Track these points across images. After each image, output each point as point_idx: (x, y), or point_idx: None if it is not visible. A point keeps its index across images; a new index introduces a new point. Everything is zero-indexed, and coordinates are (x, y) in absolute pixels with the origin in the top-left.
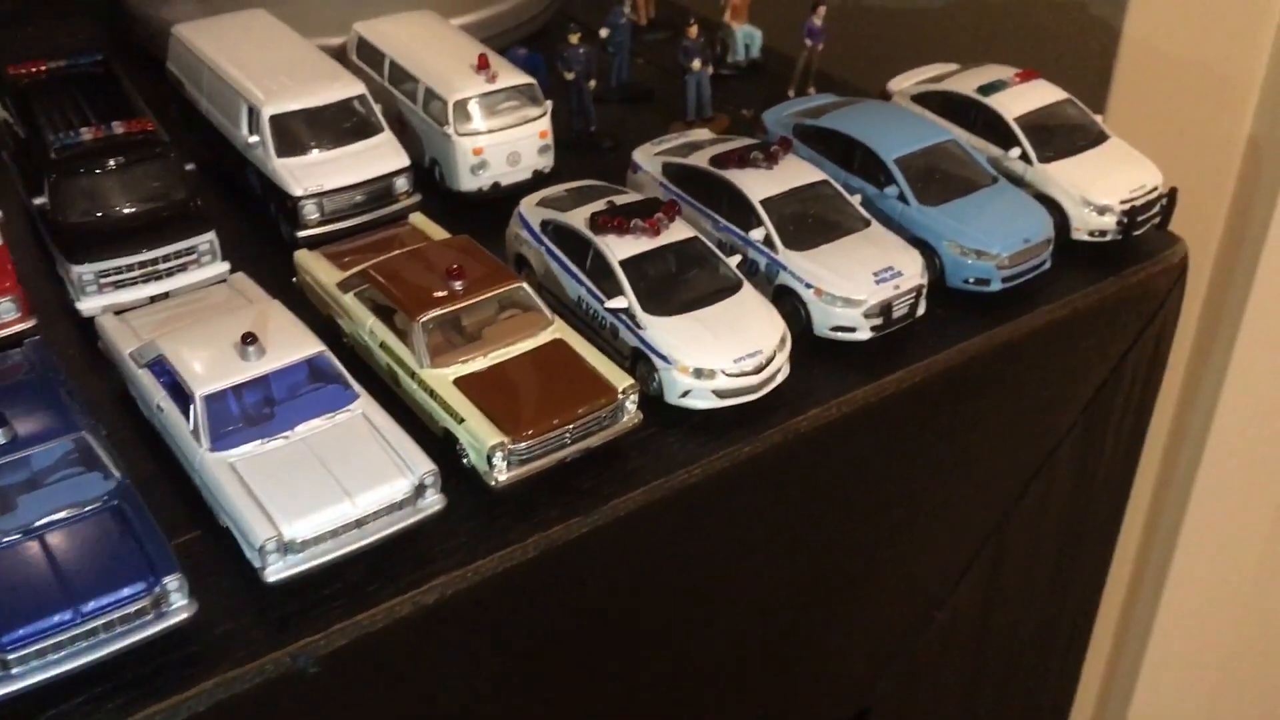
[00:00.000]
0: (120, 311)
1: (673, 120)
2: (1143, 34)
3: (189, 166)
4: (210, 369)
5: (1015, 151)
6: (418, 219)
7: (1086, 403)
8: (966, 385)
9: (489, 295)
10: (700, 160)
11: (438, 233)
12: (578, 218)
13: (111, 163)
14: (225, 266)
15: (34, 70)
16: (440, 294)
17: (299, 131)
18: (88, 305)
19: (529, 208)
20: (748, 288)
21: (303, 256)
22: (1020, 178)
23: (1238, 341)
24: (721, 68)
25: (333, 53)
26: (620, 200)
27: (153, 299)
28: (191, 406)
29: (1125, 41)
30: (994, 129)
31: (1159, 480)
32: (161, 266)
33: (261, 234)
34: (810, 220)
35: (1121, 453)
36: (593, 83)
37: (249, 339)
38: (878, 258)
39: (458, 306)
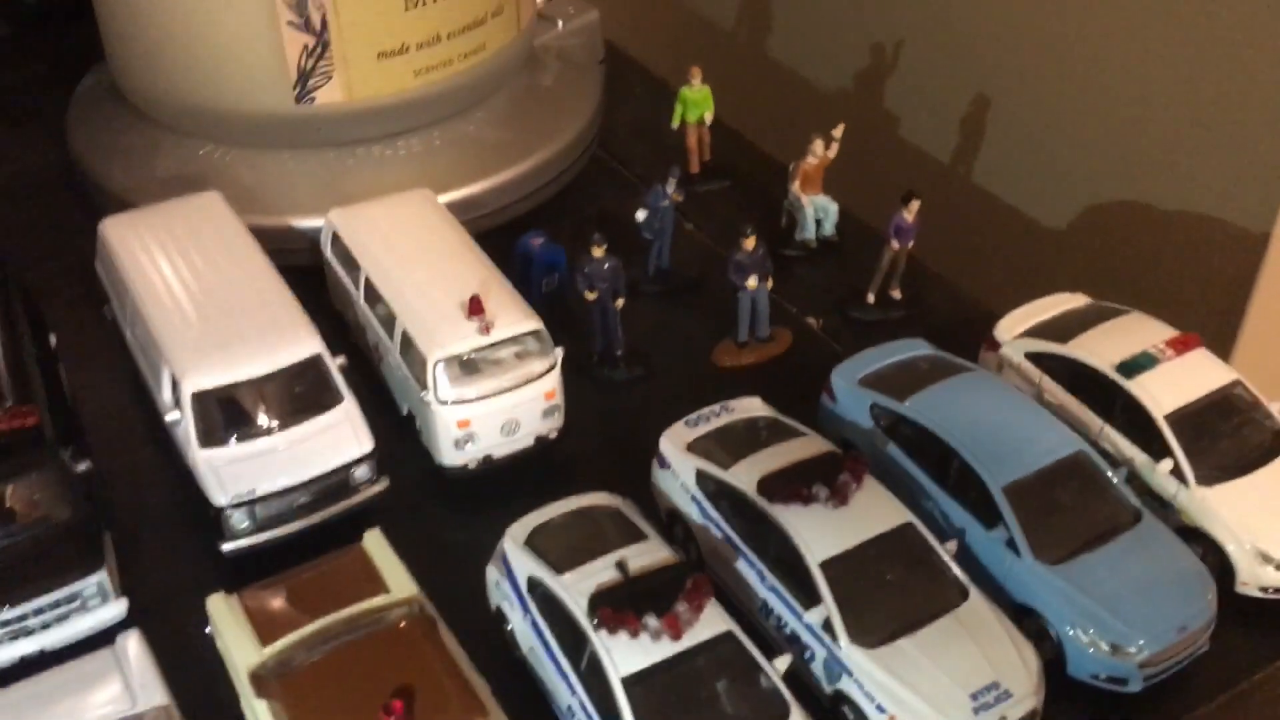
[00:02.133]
0: None
1: (724, 333)
2: None
3: (82, 466)
4: None
5: (1166, 464)
6: (372, 543)
7: None
8: None
9: None
10: (747, 480)
11: (388, 565)
12: (574, 591)
13: None
14: (120, 609)
15: None
16: None
17: (231, 412)
18: None
19: (514, 546)
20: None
21: (216, 606)
22: (1171, 499)
23: None
24: (786, 248)
25: (308, 237)
26: (636, 564)
27: (24, 660)
28: None
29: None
30: (1137, 425)
31: None
32: (32, 621)
33: (194, 516)
34: (887, 591)
35: None
36: (620, 301)
37: None
38: (979, 664)
39: None
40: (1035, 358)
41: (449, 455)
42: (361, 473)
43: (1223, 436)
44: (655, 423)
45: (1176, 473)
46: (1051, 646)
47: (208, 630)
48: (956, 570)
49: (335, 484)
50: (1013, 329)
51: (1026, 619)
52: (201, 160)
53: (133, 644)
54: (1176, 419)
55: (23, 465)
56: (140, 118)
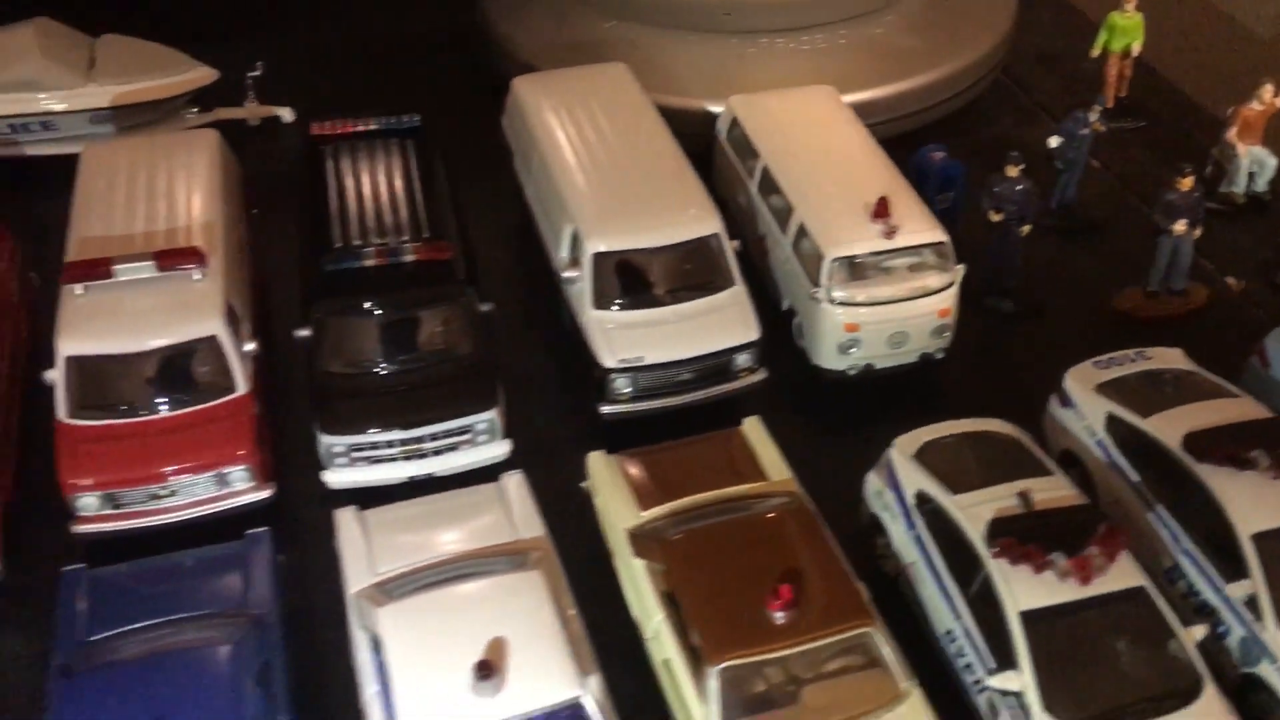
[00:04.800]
0: (366, 499)
1: (1123, 279)
2: None
3: (485, 307)
4: (432, 701)
5: None
6: (750, 430)
7: None
8: None
9: (822, 640)
10: (1168, 433)
11: (767, 454)
12: (968, 510)
13: (390, 305)
14: (505, 449)
15: (340, 132)
16: (754, 627)
17: (627, 277)
18: (335, 478)
19: (903, 457)
20: (1209, 695)
21: (596, 464)
22: None
23: None
24: (1208, 199)
25: (705, 118)
26: (1040, 495)
27: (411, 481)
28: None
29: None
30: None
31: None
32: (427, 446)
33: (564, 377)
34: None
35: None
36: (1026, 228)
37: (485, 671)
38: None
39: (775, 654)
40: None
41: (829, 358)
42: (744, 359)
43: None
44: (1041, 360)
45: None
46: None
47: (583, 484)
48: None
49: (717, 365)
50: None
51: None
52: (606, 33)
53: (517, 482)
54: None
55: (434, 296)
56: None
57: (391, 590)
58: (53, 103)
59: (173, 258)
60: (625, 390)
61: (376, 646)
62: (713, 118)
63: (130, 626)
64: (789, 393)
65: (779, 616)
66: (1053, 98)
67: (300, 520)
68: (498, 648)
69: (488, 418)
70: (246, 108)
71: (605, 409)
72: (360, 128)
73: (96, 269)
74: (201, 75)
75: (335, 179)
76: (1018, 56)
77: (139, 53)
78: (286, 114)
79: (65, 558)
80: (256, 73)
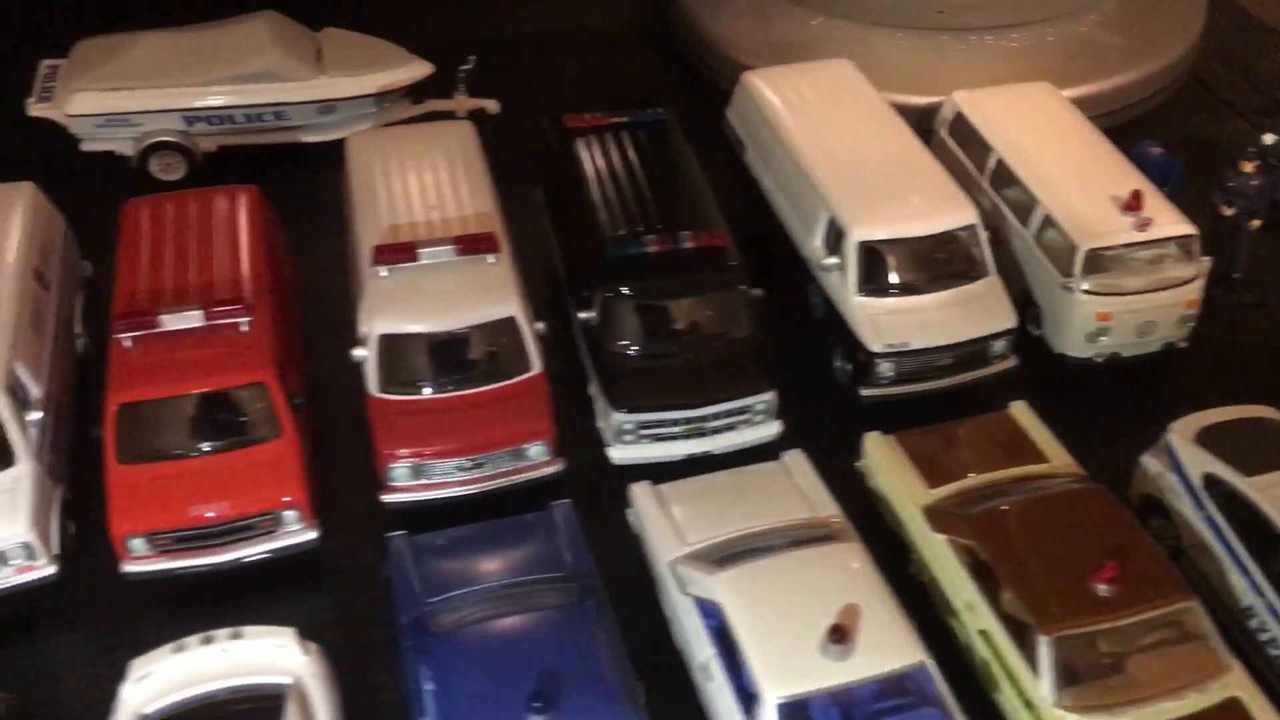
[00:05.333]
0: (657, 474)
1: None
2: None
3: (755, 292)
4: (785, 662)
5: None
6: (1019, 412)
7: None
8: None
9: (1149, 613)
10: None
11: (1041, 436)
12: (1267, 492)
13: (675, 290)
14: (777, 429)
15: (593, 124)
16: (1081, 600)
17: (889, 266)
18: (620, 454)
19: (1183, 441)
20: None
21: (876, 445)
22: None
23: None
24: None
25: (913, 113)
26: None
27: (690, 455)
28: (758, 708)
29: None
30: None
31: None
32: (709, 424)
33: (810, 360)
34: None
35: None
36: (1256, 222)
37: (838, 635)
38: None
39: (1104, 625)
40: None
41: (1076, 346)
42: (1000, 346)
43: None
44: (1270, 349)
45: None
46: None
47: (858, 464)
48: None
49: (974, 352)
50: None
51: None
52: (813, 30)
53: (800, 460)
54: None
55: (713, 281)
56: None
57: (713, 558)
58: (287, 94)
59: (471, 243)
60: (888, 374)
61: (707, 612)
62: (920, 112)
63: (472, 588)
64: (1031, 380)
65: (1104, 590)
66: (1238, 96)
67: (572, 493)
68: (850, 613)
69: (767, 398)
70: (456, 100)
71: (865, 392)
72: (612, 120)
73: (403, 252)
74: (421, 70)
75: (593, 169)
76: (1199, 57)
77: (362, 47)
78: (492, 106)
79: (358, 526)
80: (468, 66)
